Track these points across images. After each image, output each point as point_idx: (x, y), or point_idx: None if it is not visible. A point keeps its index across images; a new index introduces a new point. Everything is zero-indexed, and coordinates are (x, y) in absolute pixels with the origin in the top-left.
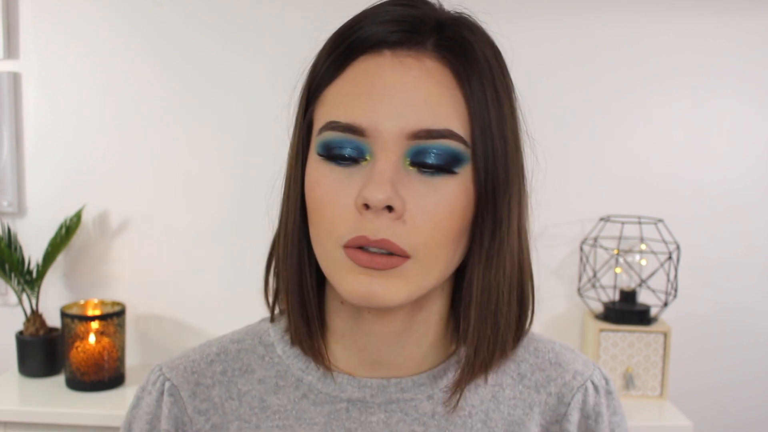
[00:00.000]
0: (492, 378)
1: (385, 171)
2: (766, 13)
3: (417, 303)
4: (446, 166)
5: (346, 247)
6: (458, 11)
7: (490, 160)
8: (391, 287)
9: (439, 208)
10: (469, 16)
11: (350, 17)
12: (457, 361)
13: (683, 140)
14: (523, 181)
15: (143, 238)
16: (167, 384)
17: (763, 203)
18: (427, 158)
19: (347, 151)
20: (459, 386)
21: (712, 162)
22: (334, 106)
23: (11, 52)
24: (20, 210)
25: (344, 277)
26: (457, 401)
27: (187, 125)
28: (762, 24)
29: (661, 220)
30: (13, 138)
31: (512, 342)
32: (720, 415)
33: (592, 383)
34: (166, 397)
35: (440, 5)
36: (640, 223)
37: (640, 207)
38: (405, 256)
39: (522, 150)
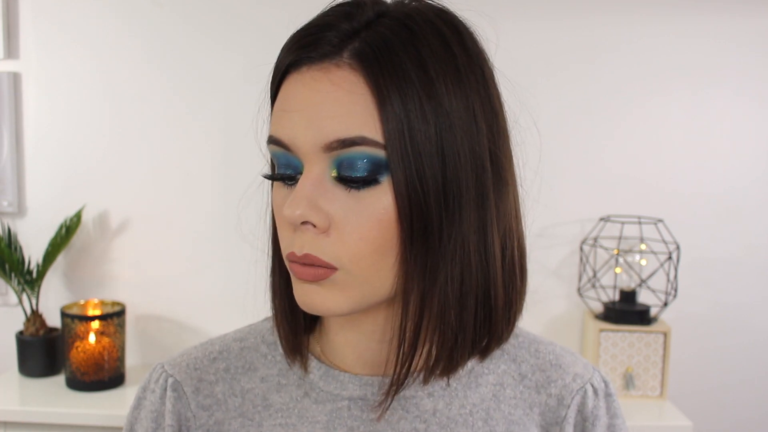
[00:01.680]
0: (493, 378)
1: (304, 188)
2: (766, 13)
3: (395, 306)
4: (369, 176)
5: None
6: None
7: (413, 164)
8: (328, 296)
9: (365, 219)
10: (427, 2)
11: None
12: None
13: (683, 140)
14: (488, 181)
15: (143, 238)
16: (170, 380)
17: (763, 203)
18: (350, 171)
19: (284, 168)
20: (389, 390)
21: (712, 162)
22: (271, 123)
23: (11, 52)
24: (20, 210)
25: (294, 287)
26: (388, 406)
27: (187, 125)
28: (762, 24)
29: (661, 220)
30: (13, 138)
31: (478, 349)
32: (720, 415)
33: (592, 386)
34: (169, 393)
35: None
36: (640, 223)
37: (640, 207)
38: (331, 268)
39: (491, 148)
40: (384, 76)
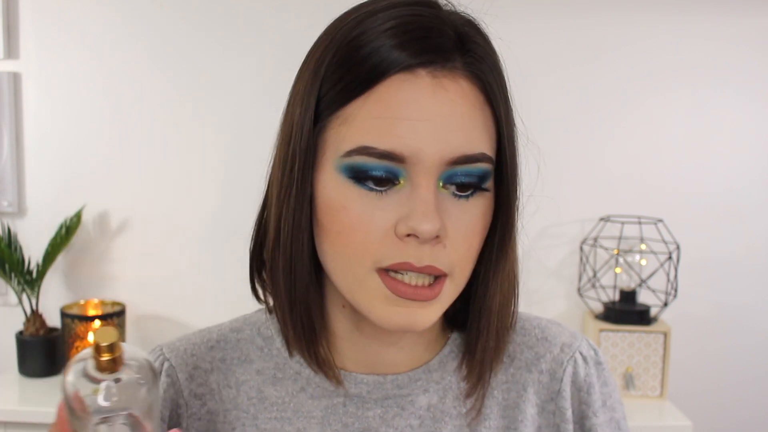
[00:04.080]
0: None
1: (430, 199)
2: (766, 13)
3: None
4: (477, 188)
5: (382, 270)
6: (461, 12)
7: (509, 171)
8: (429, 313)
9: (472, 227)
10: (472, 17)
11: (351, 20)
12: (450, 352)
13: (683, 140)
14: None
15: (143, 238)
16: (166, 364)
17: (763, 203)
18: (463, 185)
19: (380, 173)
20: (477, 393)
21: (712, 162)
22: (365, 129)
23: (11, 52)
24: (20, 210)
25: (379, 304)
26: (480, 408)
27: (187, 125)
28: (762, 24)
29: (661, 220)
30: (13, 138)
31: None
32: (720, 415)
33: (581, 354)
34: (163, 378)
35: (445, 4)
36: (640, 223)
37: (640, 207)
38: (444, 277)
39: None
40: (498, 91)
